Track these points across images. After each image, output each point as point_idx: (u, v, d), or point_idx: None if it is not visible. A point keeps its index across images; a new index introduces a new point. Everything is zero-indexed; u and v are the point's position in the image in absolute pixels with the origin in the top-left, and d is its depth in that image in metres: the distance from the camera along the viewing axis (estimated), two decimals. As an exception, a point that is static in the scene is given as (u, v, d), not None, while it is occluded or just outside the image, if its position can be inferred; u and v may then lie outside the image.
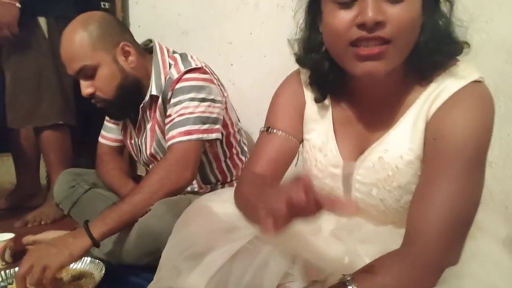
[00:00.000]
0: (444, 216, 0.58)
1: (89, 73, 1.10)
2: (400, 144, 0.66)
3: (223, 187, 1.28)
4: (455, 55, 0.66)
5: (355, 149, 0.72)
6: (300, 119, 0.78)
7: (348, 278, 0.56)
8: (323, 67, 0.70)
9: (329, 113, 0.75)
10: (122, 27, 1.22)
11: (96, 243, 0.93)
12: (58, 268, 0.85)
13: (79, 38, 1.09)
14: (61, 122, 1.61)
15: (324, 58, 0.69)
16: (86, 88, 1.11)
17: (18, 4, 1.45)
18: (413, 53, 0.63)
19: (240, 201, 0.72)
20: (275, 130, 0.76)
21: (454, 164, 0.60)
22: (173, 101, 1.12)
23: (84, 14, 1.14)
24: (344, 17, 0.59)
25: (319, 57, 0.70)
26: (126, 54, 1.14)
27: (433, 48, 0.63)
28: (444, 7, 0.64)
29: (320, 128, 0.76)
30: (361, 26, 0.58)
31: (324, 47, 0.68)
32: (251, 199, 0.63)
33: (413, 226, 0.60)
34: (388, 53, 0.59)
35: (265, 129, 0.78)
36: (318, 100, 0.75)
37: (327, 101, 0.75)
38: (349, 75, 0.68)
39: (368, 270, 0.58)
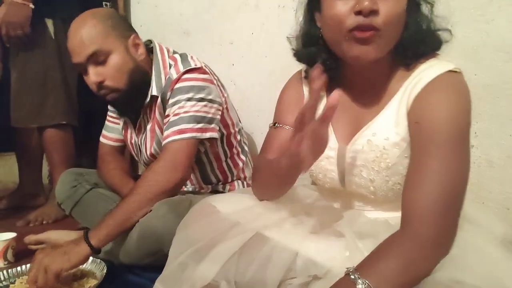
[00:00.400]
0: (435, 193, 0.61)
1: (101, 59, 1.08)
2: (386, 128, 0.73)
3: (224, 187, 1.29)
4: (438, 46, 0.73)
5: (348, 133, 0.78)
6: None
7: (352, 270, 0.59)
8: (319, 59, 0.77)
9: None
10: (129, 24, 1.24)
11: (95, 251, 0.94)
12: (58, 272, 0.88)
13: (93, 24, 1.09)
14: (64, 122, 1.61)
15: (321, 50, 0.77)
16: (96, 76, 1.08)
17: (31, 5, 1.47)
18: (399, 45, 0.71)
19: (258, 187, 0.83)
20: (281, 125, 0.84)
21: (437, 144, 0.64)
22: (171, 101, 1.12)
23: (92, 9, 1.15)
24: (342, 7, 0.68)
25: (316, 50, 0.78)
26: (136, 46, 1.15)
27: (418, 39, 0.71)
28: (426, 8, 0.72)
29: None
30: (358, 12, 0.66)
31: (321, 41, 0.76)
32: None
33: (408, 208, 0.63)
34: (378, 39, 0.67)
35: (273, 124, 0.86)
36: None
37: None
38: (342, 65, 0.75)
39: (371, 258, 0.61)
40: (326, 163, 0.80)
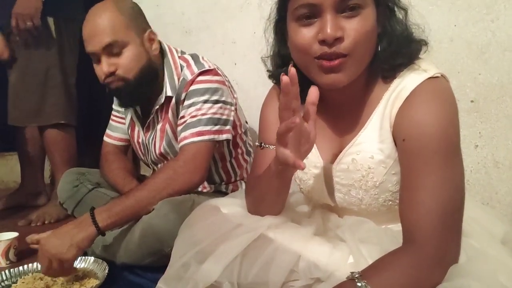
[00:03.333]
0: (434, 210, 0.60)
1: (116, 50, 1.08)
2: (370, 145, 0.70)
3: (227, 187, 1.28)
4: (416, 56, 0.69)
5: (332, 151, 0.76)
6: None
7: (357, 275, 0.58)
8: None
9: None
10: (146, 18, 1.22)
11: (101, 233, 0.95)
12: (73, 260, 0.92)
13: (113, 14, 1.09)
14: (63, 122, 1.61)
15: None
16: (109, 66, 1.08)
17: None
18: (375, 58, 0.68)
19: (253, 204, 0.80)
20: (267, 145, 0.81)
21: (427, 160, 0.62)
22: (187, 102, 1.12)
23: None
24: (306, 34, 0.65)
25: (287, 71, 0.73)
26: (151, 41, 1.16)
27: (394, 51, 0.67)
28: (400, 14, 0.68)
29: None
30: (322, 42, 0.63)
31: (292, 62, 0.72)
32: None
33: (408, 227, 0.62)
34: (347, 65, 0.64)
35: (259, 144, 0.83)
36: None
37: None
38: (317, 85, 0.72)
39: (376, 267, 0.60)
40: (314, 182, 0.78)
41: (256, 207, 0.79)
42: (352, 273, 0.59)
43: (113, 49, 1.08)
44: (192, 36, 1.77)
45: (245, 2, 1.58)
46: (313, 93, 0.59)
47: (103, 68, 1.08)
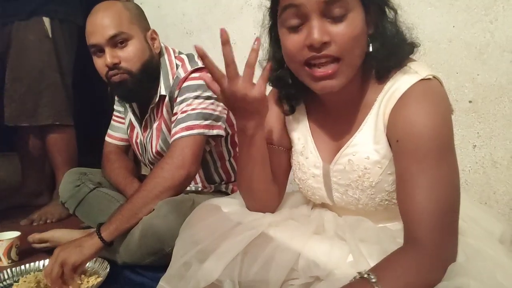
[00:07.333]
0: (428, 209, 0.60)
1: (121, 42, 1.10)
2: (365, 146, 0.71)
3: (226, 186, 1.29)
4: (408, 55, 0.70)
5: (330, 152, 0.77)
6: (285, 129, 0.85)
7: (368, 274, 0.57)
8: (287, 82, 0.76)
9: (306, 120, 0.82)
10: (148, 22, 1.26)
11: (106, 243, 0.97)
12: (74, 264, 0.92)
13: (119, 9, 1.13)
14: (58, 123, 1.61)
15: (287, 74, 0.75)
16: (112, 57, 1.10)
17: None
18: (368, 59, 0.68)
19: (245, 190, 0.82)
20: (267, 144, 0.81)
21: (421, 160, 0.62)
22: (179, 99, 1.14)
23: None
24: (295, 39, 0.66)
25: (283, 74, 0.76)
26: (153, 40, 1.19)
27: (387, 53, 0.67)
28: (390, 14, 0.69)
29: (300, 134, 0.82)
30: (310, 47, 0.64)
31: (286, 65, 0.73)
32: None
33: (408, 227, 0.63)
34: (340, 71, 0.65)
35: None
36: (288, 112, 0.82)
37: (303, 110, 0.82)
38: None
39: (381, 267, 0.60)
40: (313, 182, 0.79)
41: (250, 199, 0.80)
42: (359, 272, 0.58)
43: (117, 41, 1.10)
44: (193, 37, 1.78)
45: (246, 3, 1.59)
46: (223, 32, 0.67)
47: (106, 59, 1.10)
